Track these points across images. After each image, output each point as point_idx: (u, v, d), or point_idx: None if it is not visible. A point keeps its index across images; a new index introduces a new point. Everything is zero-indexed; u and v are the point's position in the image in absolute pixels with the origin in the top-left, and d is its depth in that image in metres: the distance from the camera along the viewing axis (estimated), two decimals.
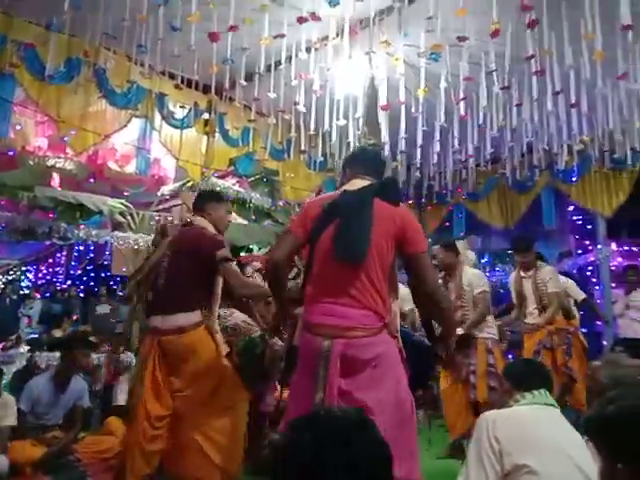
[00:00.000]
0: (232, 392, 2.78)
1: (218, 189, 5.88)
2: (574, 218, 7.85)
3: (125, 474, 2.67)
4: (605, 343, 6.78)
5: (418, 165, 6.10)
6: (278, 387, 3.51)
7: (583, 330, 7.10)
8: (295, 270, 2.86)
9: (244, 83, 4.22)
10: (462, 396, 3.91)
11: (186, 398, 2.72)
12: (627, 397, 1.12)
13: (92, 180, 5.80)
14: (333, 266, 2.09)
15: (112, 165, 6.11)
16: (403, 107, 4.53)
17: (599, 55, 3.73)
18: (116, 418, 4.15)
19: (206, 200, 3.09)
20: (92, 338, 6.86)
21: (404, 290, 4.13)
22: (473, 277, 4.03)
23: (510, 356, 4.73)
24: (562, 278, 5.08)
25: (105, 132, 5.11)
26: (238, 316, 2.93)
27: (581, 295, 5.20)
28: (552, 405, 2.05)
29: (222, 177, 6.00)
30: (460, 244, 4.43)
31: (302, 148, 5.58)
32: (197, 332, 2.73)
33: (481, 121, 4.77)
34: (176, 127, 5.29)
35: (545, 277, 4.47)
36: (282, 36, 3.93)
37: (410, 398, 2.09)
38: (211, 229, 2.92)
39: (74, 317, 8.33)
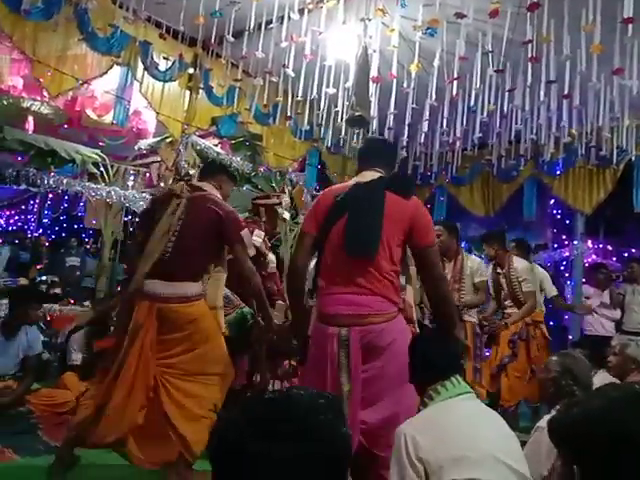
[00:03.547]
0: (220, 366, 2.70)
1: (199, 148, 5.72)
2: (554, 212, 7.88)
3: (86, 436, 2.54)
4: (571, 337, 6.89)
5: (404, 144, 5.99)
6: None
7: (550, 323, 7.25)
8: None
9: (231, 39, 4.04)
10: None
11: (171, 368, 2.62)
12: (593, 400, 1.07)
13: (66, 126, 5.55)
14: (344, 259, 2.13)
15: (90, 113, 5.87)
16: (395, 81, 4.41)
17: (597, 48, 3.65)
18: (72, 374, 4.08)
19: (220, 171, 3.03)
20: (58, 290, 6.75)
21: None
22: (476, 265, 4.26)
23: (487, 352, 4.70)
24: (539, 269, 5.09)
25: (84, 77, 4.87)
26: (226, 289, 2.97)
27: (553, 291, 5.15)
28: (469, 392, 1.79)
29: (203, 137, 5.81)
30: None
31: (288, 114, 5.41)
32: (200, 303, 2.68)
33: (472, 103, 4.66)
34: (158, 79, 5.04)
35: (520, 275, 4.47)
36: None
37: None
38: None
39: (40, 266, 8.14)
